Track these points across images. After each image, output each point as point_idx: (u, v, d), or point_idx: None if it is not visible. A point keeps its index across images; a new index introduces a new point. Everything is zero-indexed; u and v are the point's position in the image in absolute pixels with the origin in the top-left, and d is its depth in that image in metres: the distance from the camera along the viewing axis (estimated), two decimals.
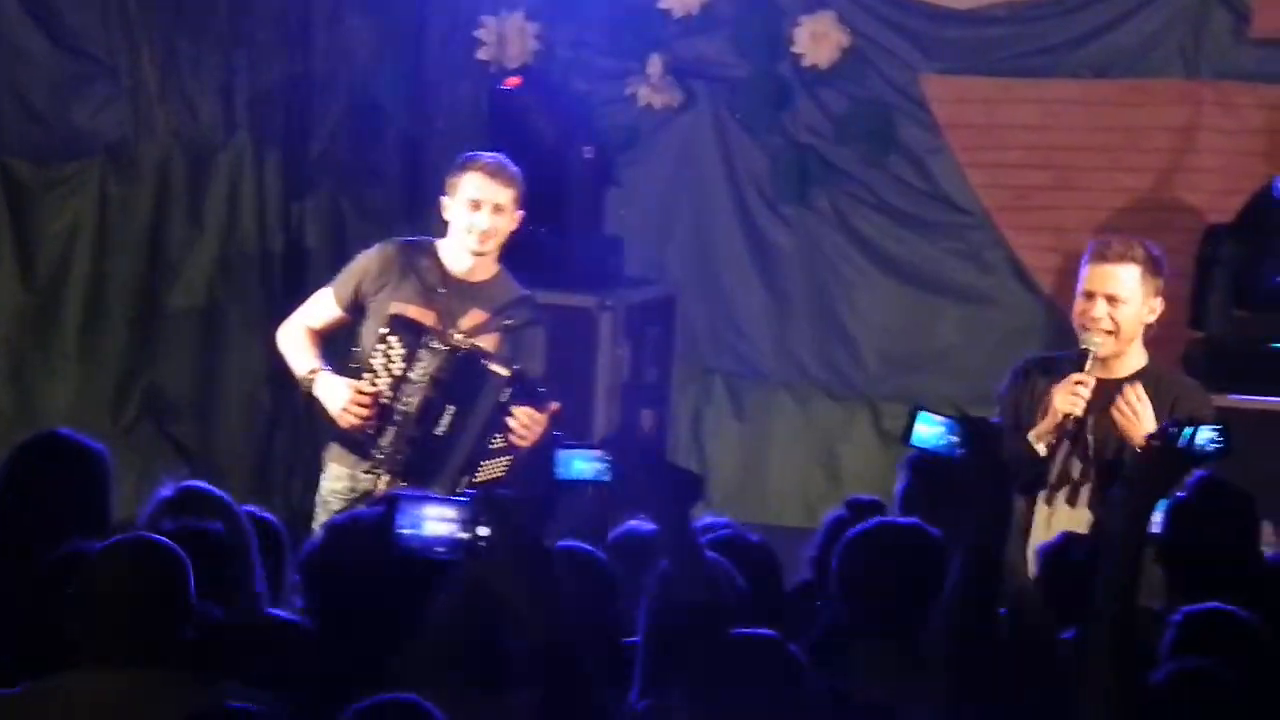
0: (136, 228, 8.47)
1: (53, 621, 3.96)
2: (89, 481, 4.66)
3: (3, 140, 8.47)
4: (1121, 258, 5.67)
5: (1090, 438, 5.62)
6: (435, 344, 5.89)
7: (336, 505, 5.92)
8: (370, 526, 4.29)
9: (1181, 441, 4.14)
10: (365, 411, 5.86)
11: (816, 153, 8.37)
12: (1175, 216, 7.97)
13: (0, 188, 8.47)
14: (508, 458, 5.88)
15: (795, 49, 8.31)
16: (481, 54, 8.51)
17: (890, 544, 4.27)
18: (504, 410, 5.85)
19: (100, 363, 8.46)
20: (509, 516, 4.05)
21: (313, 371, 5.95)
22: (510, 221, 6.02)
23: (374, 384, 5.89)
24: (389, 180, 8.50)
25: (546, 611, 3.89)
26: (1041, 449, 5.61)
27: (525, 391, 5.86)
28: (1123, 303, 5.67)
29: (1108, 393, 5.63)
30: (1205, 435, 4.26)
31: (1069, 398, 5.57)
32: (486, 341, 5.97)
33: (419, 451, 5.89)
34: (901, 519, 4.37)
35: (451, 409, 5.88)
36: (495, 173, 6.01)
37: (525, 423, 5.83)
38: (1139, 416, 5.54)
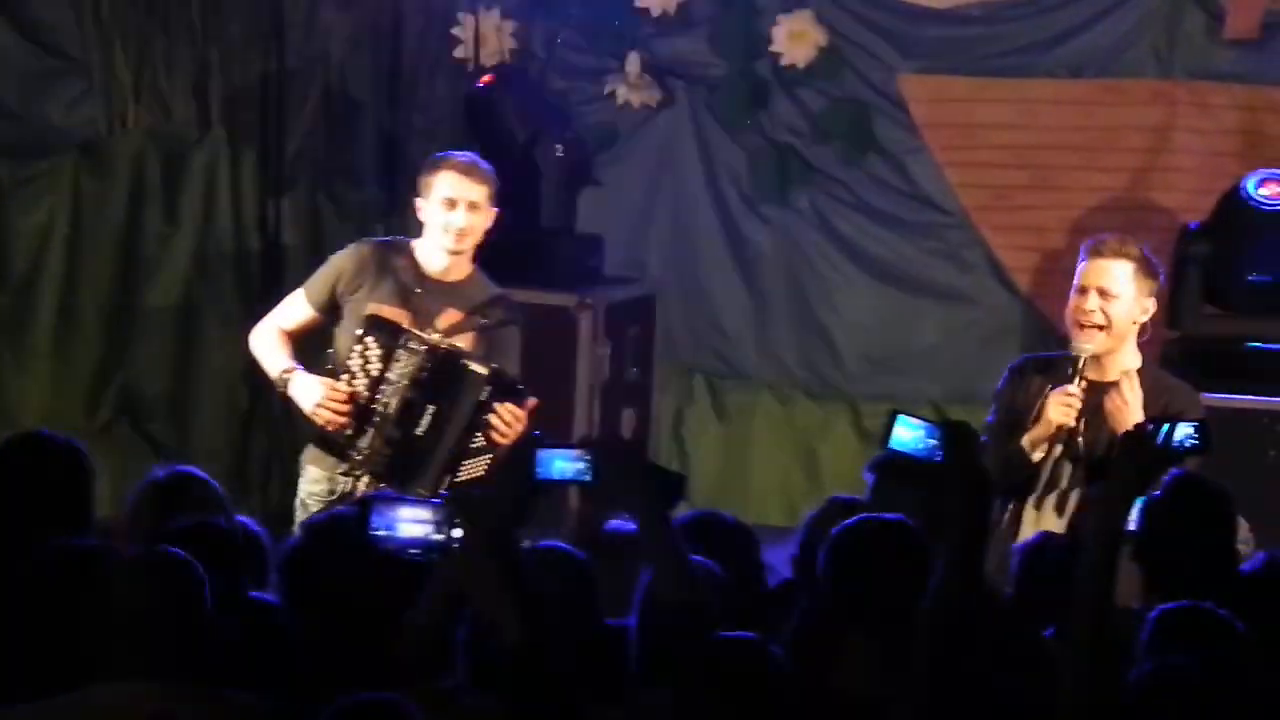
0: (110, 225, 8.44)
1: (50, 624, 3.96)
2: (71, 480, 4.65)
3: None
4: (1117, 254, 5.70)
5: (1081, 444, 5.65)
6: (414, 344, 5.88)
7: (315, 507, 5.90)
8: (348, 526, 4.29)
9: (1159, 438, 4.15)
10: (341, 408, 5.85)
11: (795, 152, 8.38)
12: (1151, 216, 8.00)
13: None
14: (489, 456, 5.87)
15: (773, 48, 8.32)
16: (458, 52, 8.50)
17: (876, 540, 4.28)
18: (484, 409, 5.85)
19: (74, 361, 8.43)
20: (481, 517, 4.05)
21: (287, 371, 5.93)
22: (485, 219, 6.02)
23: (351, 384, 5.88)
24: (366, 178, 8.49)
25: (518, 612, 3.89)
26: (1035, 454, 5.64)
27: (504, 389, 5.86)
28: (1115, 298, 5.69)
29: (1101, 397, 5.66)
30: (1183, 432, 4.27)
31: (1060, 409, 5.60)
32: (463, 341, 5.95)
33: (400, 452, 5.88)
34: (887, 515, 4.37)
35: (432, 409, 5.87)
36: (469, 170, 6.01)
37: (507, 420, 5.82)
38: (1129, 409, 5.57)
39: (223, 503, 4.78)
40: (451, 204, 5.97)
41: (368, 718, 3.70)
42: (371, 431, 5.88)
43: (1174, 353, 7.28)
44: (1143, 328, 5.77)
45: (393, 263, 5.98)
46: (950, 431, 4.11)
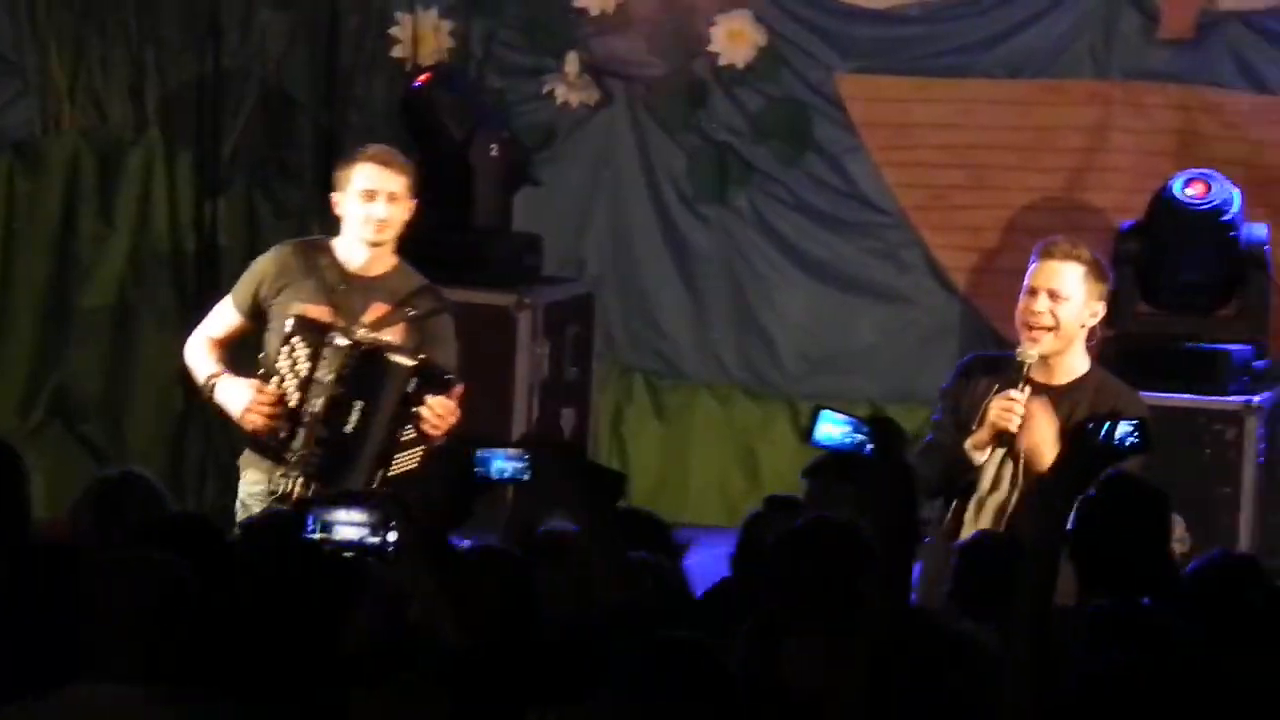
0: (45, 226, 8.40)
1: (29, 624, 3.94)
2: (5, 481, 4.62)
3: None
4: (1067, 256, 5.73)
5: (1022, 448, 5.66)
6: (338, 341, 5.85)
7: (257, 508, 5.87)
8: (285, 527, 4.27)
9: (1100, 437, 4.16)
10: (269, 411, 5.83)
11: (734, 151, 8.39)
12: (1088, 216, 8.04)
13: None
14: (421, 448, 5.86)
15: (711, 48, 8.32)
16: (396, 51, 8.48)
17: (818, 540, 4.28)
18: (412, 401, 5.83)
19: (8, 362, 8.38)
20: (417, 518, 4.04)
21: (212, 377, 5.91)
22: (404, 210, 5.99)
23: (281, 387, 5.85)
24: (303, 178, 8.46)
25: (455, 614, 3.88)
26: (978, 457, 5.65)
27: (431, 380, 5.84)
28: (1065, 299, 5.71)
29: (1048, 400, 5.68)
30: (1123, 431, 4.29)
31: (1004, 414, 5.62)
32: (392, 333, 5.94)
33: (330, 451, 5.85)
34: (829, 515, 4.38)
35: (359, 405, 5.85)
36: (387, 161, 5.98)
37: (437, 411, 5.81)
38: (1035, 425, 5.60)
39: (166, 504, 4.75)
40: (370, 195, 5.94)
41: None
42: (302, 433, 5.86)
43: (1110, 352, 7.31)
44: (1091, 331, 5.80)
45: (314, 262, 5.95)
46: (876, 427, 4.12)
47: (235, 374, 5.93)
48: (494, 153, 8.06)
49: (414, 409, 5.82)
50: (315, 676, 3.95)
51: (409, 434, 5.85)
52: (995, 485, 5.68)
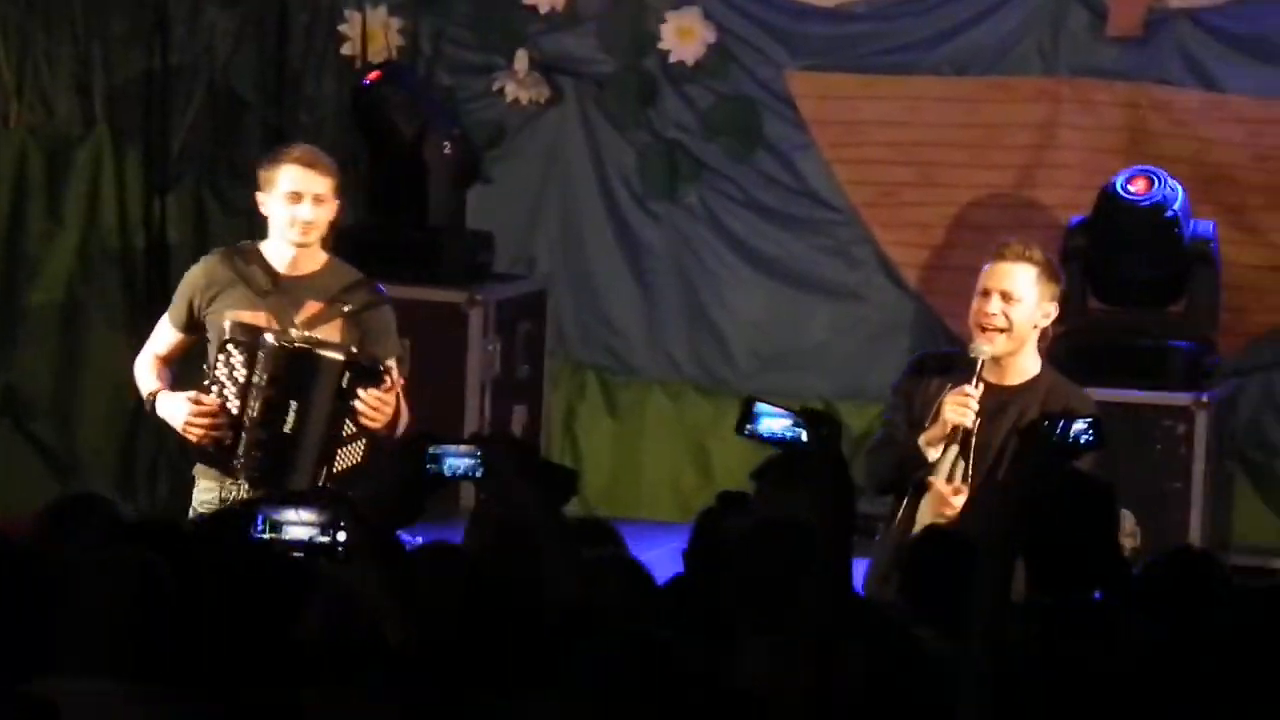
0: None
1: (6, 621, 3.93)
2: None
3: None
4: (1020, 257, 5.77)
5: (974, 444, 5.69)
6: (270, 342, 5.85)
7: None
8: (232, 527, 4.26)
9: (1055, 435, 4.18)
10: (207, 422, 5.83)
11: (684, 149, 8.39)
12: (1036, 213, 8.07)
13: None
14: (362, 442, 5.86)
15: (661, 45, 8.33)
16: (345, 49, 8.46)
17: (768, 538, 4.29)
18: (347, 395, 5.83)
19: None
20: (365, 517, 4.03)
21: (152, 394, 5.94)
22: (330, 211, 5.98)
23: (222, 395, 5.86)
24: (252, 175, 8.42)
25: (404, 613, 3.87)
26: (930, 453, 5.67)
27: (364, 373, 5.84)
28: (1017, 301, 5.74)
29: (1000, 400, 5.71)
30: (1078, 428, 4.31)
31: (957, 409, 5.64)
32: (329, 330, 5.93)
33: (271, 453, 5.86)
34: (778, 513, 4.39)
35: (294, 405, 5.85)
36: (312, 163, 5.97)
37: (373, 404, 5.81)
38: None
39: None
40: (296, 197, 5.92)
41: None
42: (245, 438, 5.87)
43: (1060, 348, 7.34)
44: (1044, 332, 5.83)
45: (243, 267, 5.95)
46: (811, 419, 4.13)
47: (180, 387, 5.95)
48: (448, 150, 8.06)
49: (350, 403, 5.82)
50: (267, 676, 3.94)
51: (348, 429, 5.86)
52: (949, 479, 5.70)
